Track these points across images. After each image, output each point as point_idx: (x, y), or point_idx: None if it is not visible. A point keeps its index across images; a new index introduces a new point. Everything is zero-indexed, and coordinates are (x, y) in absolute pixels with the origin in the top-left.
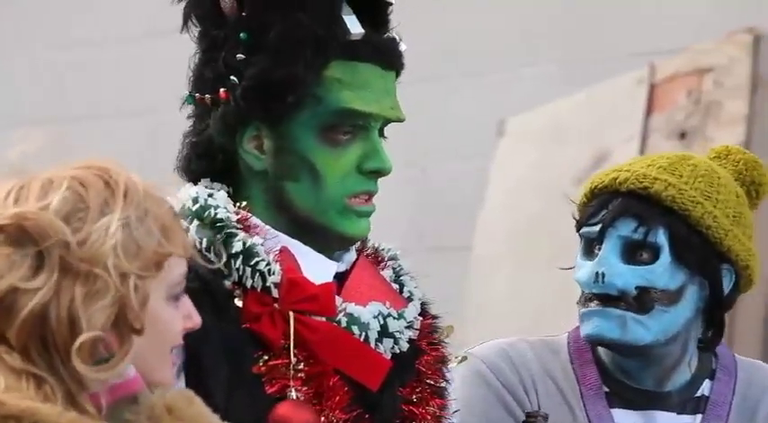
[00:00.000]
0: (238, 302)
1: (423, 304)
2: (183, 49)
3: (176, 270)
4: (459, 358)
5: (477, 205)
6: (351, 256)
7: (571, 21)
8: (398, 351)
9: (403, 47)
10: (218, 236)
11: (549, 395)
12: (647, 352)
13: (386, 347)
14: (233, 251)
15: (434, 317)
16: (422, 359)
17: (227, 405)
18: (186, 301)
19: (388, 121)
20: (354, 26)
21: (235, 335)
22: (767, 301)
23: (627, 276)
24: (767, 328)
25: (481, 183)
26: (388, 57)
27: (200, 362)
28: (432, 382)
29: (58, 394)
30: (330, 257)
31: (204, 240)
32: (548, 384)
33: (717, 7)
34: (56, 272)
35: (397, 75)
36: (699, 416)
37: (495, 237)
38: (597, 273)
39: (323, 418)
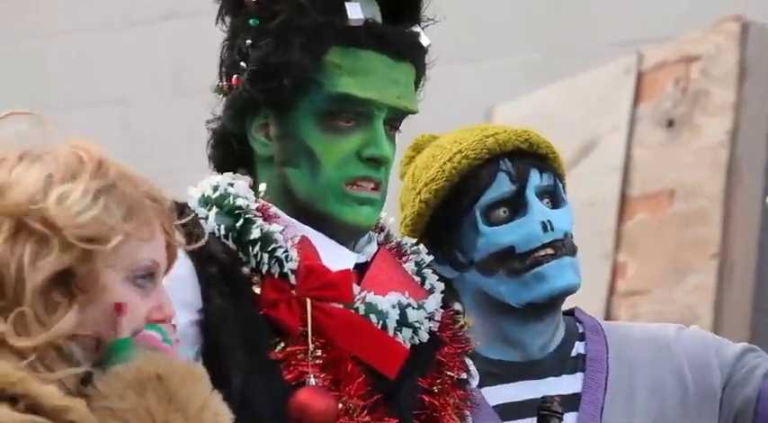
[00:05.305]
0: (256, 289)
1: (444, 298)
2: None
3: (140, 254)
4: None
5: None
6: (372, 248)
7: (559, 8)
8: (418, 341)
9: (425, 41)
10: (237, 223)
11: None
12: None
13: (405, 337)
14: (251, 237)
15: (456, 312)
16: (442, 350)
17: (244, 390)
18: (159, 293)
19: (398, 112)
20: (354, 12)
21: (252, 321)
22: (754, 292)
23: (565, 219)
24: (755, 319)
25: None
26: (396, 46)
27: (218, 347)
28: (452, 374)
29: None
30: (350, 249)
31: (222, 227)
32: None
33: None
34: (11, 231)
35: (418, 67)
36: (579, 374)
37: None
38: (544, 223)
39: (341, 405)
